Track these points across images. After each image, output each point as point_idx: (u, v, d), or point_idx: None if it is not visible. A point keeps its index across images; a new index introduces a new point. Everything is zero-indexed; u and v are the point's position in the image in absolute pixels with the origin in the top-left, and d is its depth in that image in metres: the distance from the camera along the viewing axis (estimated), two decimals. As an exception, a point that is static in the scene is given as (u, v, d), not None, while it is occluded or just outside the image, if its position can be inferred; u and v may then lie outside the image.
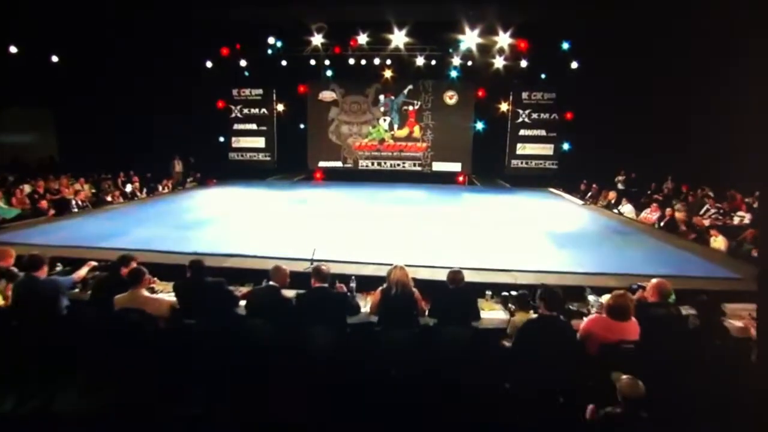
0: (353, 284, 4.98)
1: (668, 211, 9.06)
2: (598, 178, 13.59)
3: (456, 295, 4.24)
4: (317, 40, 14.73)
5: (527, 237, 7.63)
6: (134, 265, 4.89)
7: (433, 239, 7.19)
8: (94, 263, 5.28)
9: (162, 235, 7.29)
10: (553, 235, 7.72)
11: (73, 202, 10.55)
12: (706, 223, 9.39)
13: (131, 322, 4.20)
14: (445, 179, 16.42)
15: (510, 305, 4.50)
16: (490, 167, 16.73)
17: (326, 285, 4.30)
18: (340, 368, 4.01)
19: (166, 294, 4.89)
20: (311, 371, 4.00)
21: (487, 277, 5.33)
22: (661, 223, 9.01)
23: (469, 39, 13.87)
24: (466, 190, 14.77)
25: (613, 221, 9.56)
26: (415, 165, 17.03)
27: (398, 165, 17.09)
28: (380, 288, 4.38)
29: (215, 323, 4.29)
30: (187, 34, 13.96)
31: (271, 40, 15.24)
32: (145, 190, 13.52)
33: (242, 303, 4.60)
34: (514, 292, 4.55)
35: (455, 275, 4.30)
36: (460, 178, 16.62)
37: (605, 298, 4.52)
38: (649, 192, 13.01)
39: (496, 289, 4.85)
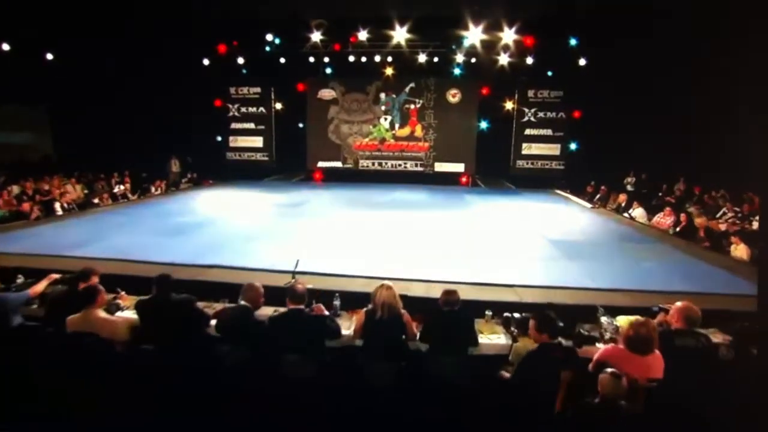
0: (337, 302, 4.49)
1: (683, 216, 8.47)
2: (607, 180, 13.04)
3: (450, 318, 3.72)
4: (316, 36, 14.29)
5: (532, 246, 7.08)
6: (95, 280, 4.44)
7: (430, 249, 6.65)
8: (55, 276, 4.81)
9: (141, 242, 6.82)
10: (560, 244, 7.16)
11: (57, 204, 10.12)
12: (723, 227, 8.81)
13: (83, 347, 3.74)
14: (448, 180, 15.89)
15: (512, 328, 3.98)
16: (495, 168, 16.18)
17: (302, 306, 3.81)
18: (317, 402, 3.51)
19: (133, 311, 4.41)
20: (283, 405, 3.50)
21: (487, 293, 4.80)
22: (677, 229, 8.42)
23: (473, 35, 13.39)
24: (469, 191, 14.22)
25: (625, 227, 8.98)
26: (416, 165, 16.50)
27: (399, 165, 16.57)
28: (364, 309, 3.88)
29: (178, 347, 3.82)
30: (184, 32, 13.57)
31: (269, 37, 14.81)
32: (138, 191, 13.13)
33: (214, 323, 4.14)
34: (516, 315, 4.03)
35: (449, 296, 3.79)
36: (464, 179, 16.07)
37: (621, 321, 4.00)
38: (660, 194, 12.44)
39: (498, 308, 4.33)
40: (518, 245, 7.08)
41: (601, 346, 3.82)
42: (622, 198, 10.99)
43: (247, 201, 11.44)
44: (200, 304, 4.67)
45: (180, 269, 5.51)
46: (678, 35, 10.84)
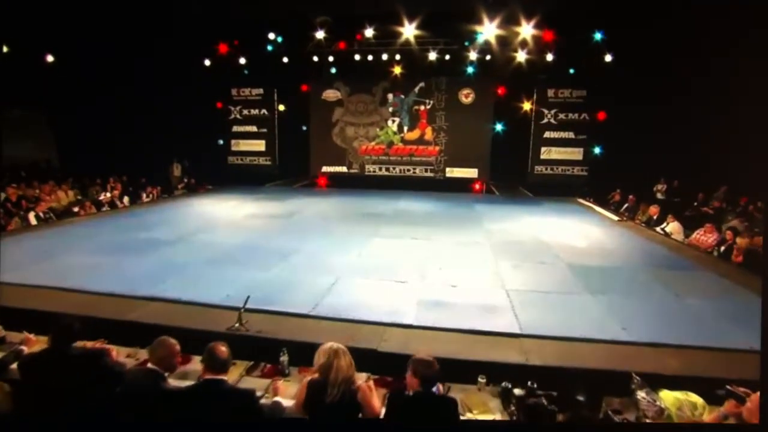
0: (284, 357, 3.46)
1: (729, 234, 7.14)
2: (635, 187, 11.74)
3: (423, 405, 2.63)
4: (320, 35, 13.45)
5: (547, 274, 5.87)
6: (-18, 324, 3.53)
7: (419, 277, 5.51)
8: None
9: (89, 263, 5.93)
10: (582, 271, 5.93)
11: (32, 214, 9.38)
12: (776, 246, 7.45)
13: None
14: (460, 187, 14.77)
15: (512, 407, 2.87)
16: (511, 174, 15.00)
17: (222, 377, 2.79)
18: None
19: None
20: None
21: (482, 348, 3.68)
22: (722, 249, 7.11)
23: (488, 31, 12.37)
24: (481, 200, 13.00)
25: (659, 246, 7.66)
26: (426, 171, 15.47)
27: (408, 171, 15.56)
28: (307, 379, 2.84)
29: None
30: (184, 31, 12.88)
31: (271, 36, 14.05)
32: (127, 198, 12.43)
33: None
34: (519, 390, 2.92)
35: (426, 369, 2.68)
36: (477, 186, 14.92)
37: (666, 399, 2.88)
38: (695, 204, 11.06)
39: (495, 372, 3.22)
40: (529, 273, 5.90)
41: (638, 439, 2.71)
42: (654, 210, 9.67)
43: (235, 210, 10.53)
44: (124, 353, 3.79)
45: (114, 302, 4.59)
46: (716, 25, 9.53)
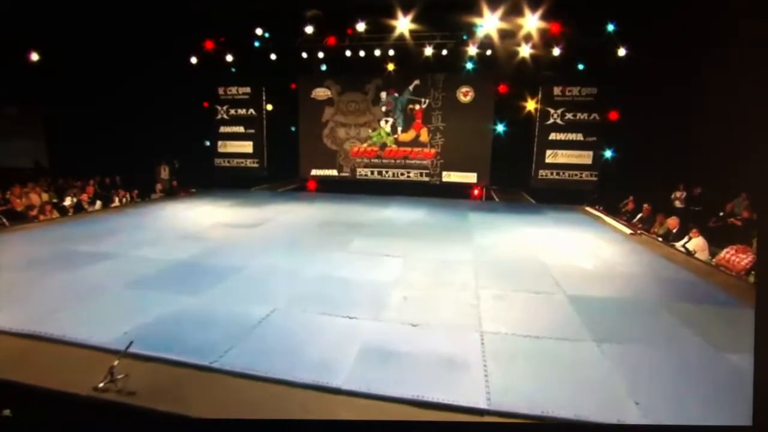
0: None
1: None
2: (650, 194, 10.58)
3: None
4: (310, 29, 12.65)
5: (541, 311, 4.61)
6: None
7: (375, 314, 4.34)
8: None
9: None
10: (585, 306, 4.68)
11: (-19, 220, 8.54)
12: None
13: None
14: (458, 192, 13.74)
15: None
16: (513, 178, 13.98)
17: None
18: None
19: None
20: None
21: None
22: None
23: (489, 23, 11.52)
24: (478, 208, 11.77)
25: (683, 270, 6.35)
26: (421, 175, 14.42)
27: (402, 174, 14.52)
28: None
29: None
30: (169, 27, 12.22)
31: (258, 32, 13.28)
32: (99, 201, 11.63)
33: None
34: None
35: None
36: (476, 192, 13.86)
37: None
38: (721, 214, 9.83)
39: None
40: (516, 306, 4.70)
41: None
42: (673, 222, 8.44)
43: (203, 218, 9.52)
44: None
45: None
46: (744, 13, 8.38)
